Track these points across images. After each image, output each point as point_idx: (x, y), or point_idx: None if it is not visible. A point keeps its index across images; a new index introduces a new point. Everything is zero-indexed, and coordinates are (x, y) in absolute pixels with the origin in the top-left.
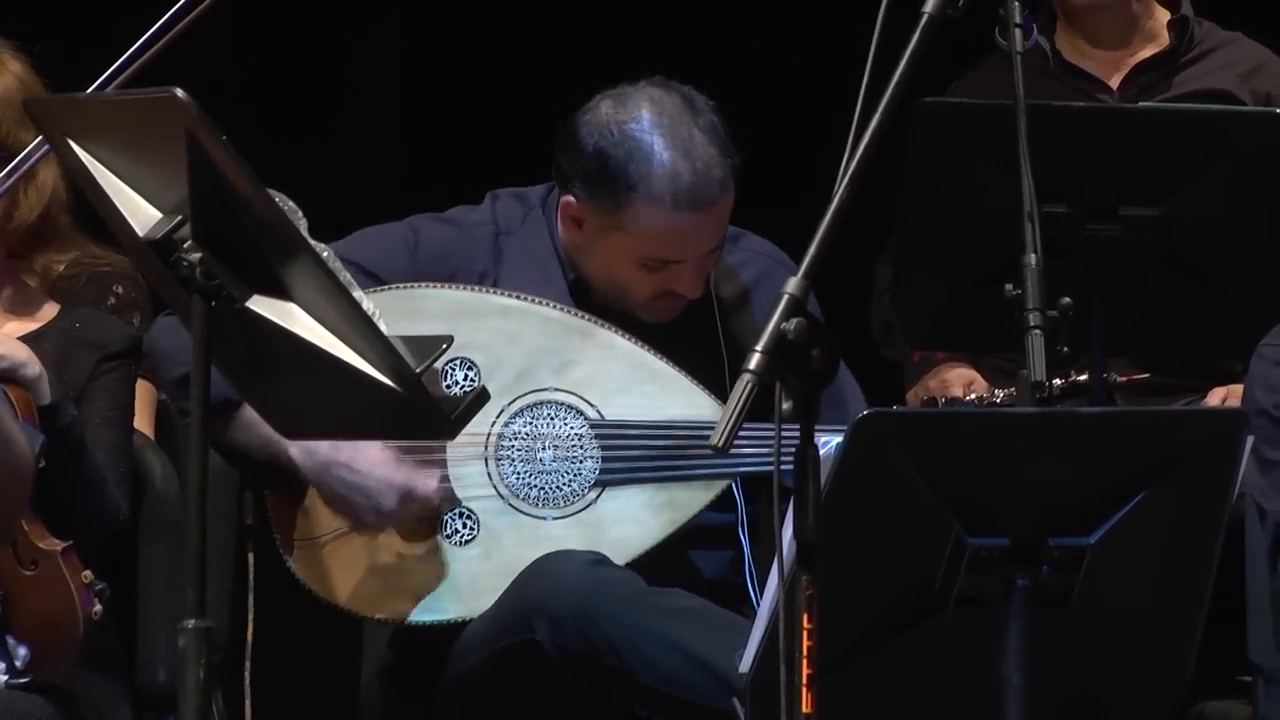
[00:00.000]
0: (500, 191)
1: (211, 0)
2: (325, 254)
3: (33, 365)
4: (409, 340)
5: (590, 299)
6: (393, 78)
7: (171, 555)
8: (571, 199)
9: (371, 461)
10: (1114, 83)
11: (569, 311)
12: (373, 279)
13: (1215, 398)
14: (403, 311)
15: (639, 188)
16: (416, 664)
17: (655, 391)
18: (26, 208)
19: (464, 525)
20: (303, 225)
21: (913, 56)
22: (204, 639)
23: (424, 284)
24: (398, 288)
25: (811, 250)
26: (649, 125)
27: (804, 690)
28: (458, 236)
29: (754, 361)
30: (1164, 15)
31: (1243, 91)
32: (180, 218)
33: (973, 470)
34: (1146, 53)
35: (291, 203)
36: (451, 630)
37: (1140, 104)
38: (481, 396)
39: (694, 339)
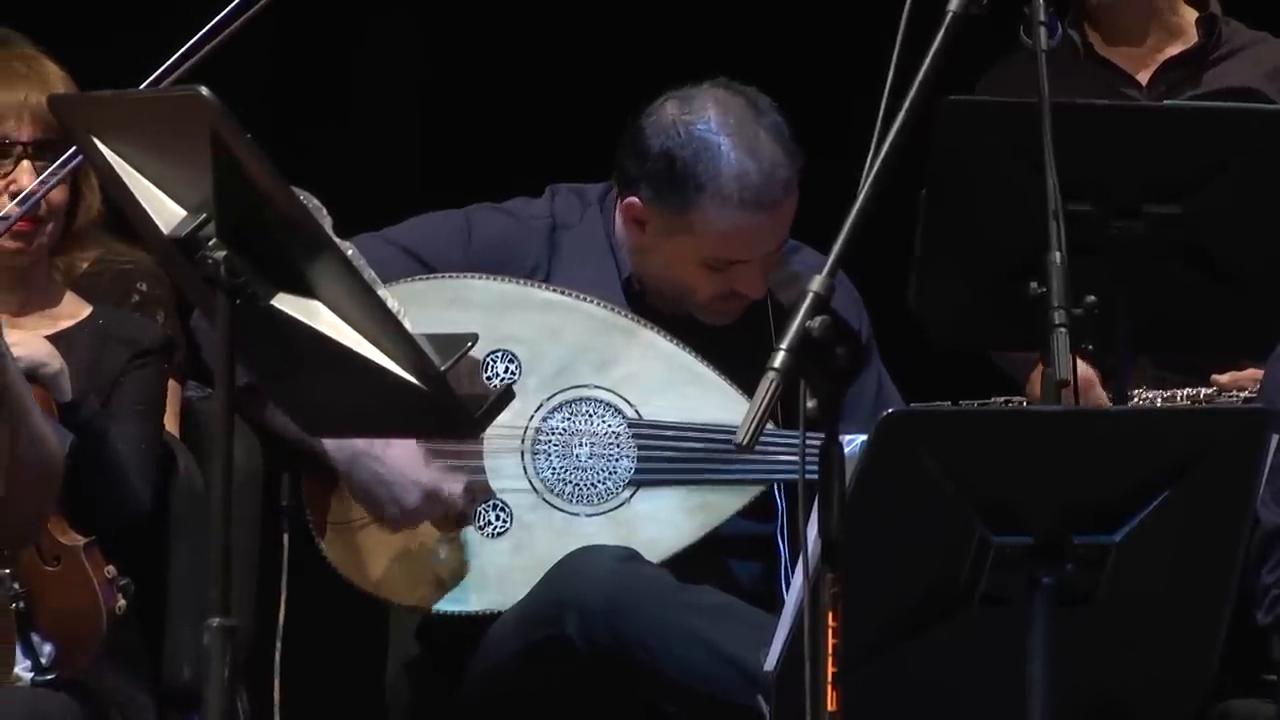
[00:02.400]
0: (559, 186)
1: (264, 4)
2: (350, 252)
3: (53, 362)
4: (434, 338)
5: (643, 299)
6: (411, 73)
7: (197, 553)
8: (635, 200)
9: (400, 458)
10: (1143, 78)
11: (613, 310)
12: (423, 266)
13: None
14: (448, 301)
15: (707, 188)
16: (444, 655)
17: (694, 394)
18: (85, 207)
19: (496, 517)
20: (327, 223)
21: (937, 54)
22: (228, 637)
23: (470, 275)
24: (444, 277)
25: (836, 248)
26: (716, 126)
27: (828, 688)
28: (513, 227)
29: (778, 359)
30: (1190, 13)
31: (1271, 90)
32: (205, 215)
33: (997, 468)
34: (1175, 49)
35: (316, 200)
36: (479, 621)
37: (1164, 102)
38: (506, 395)
39: (748, 345)
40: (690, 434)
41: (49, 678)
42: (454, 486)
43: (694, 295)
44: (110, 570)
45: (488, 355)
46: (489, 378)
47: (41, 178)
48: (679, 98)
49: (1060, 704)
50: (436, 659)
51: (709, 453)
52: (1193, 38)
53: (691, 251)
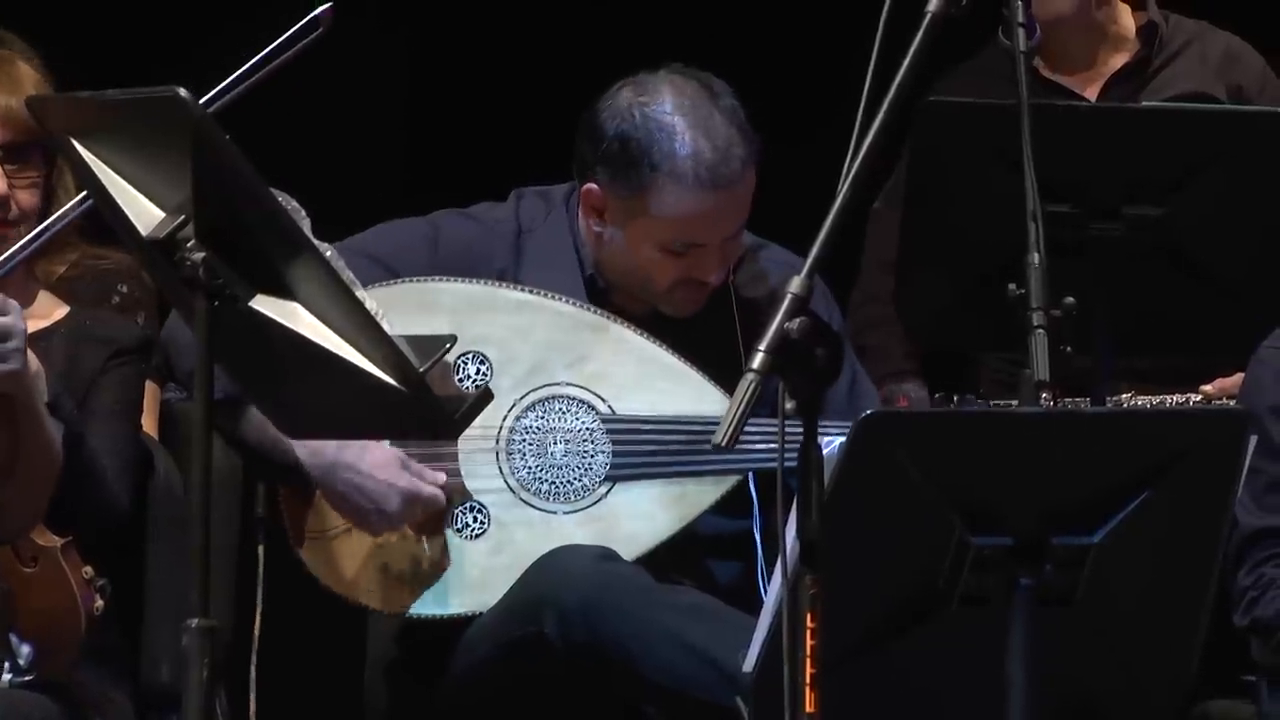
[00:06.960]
0: (525, 190)
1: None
2: (329, 253)
3: (30, 363)
4: (412, 340)
5: (608, 296)
6: (396, 74)
7: (175, 553)
8: (593, 186)
9: (375, 464)
10: (1090, 94)
11: (582, 307)
12: (390, 273)
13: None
14: (416, 305)
15: (662, 167)
16: (422, 657)
17: (667, 387)
18: (58, 206)
19: (474, 519)
20: (306, 224)
21: (915, 56)
22: (208, 638)
23: (437, 278)
24: (411, 281)
25: (815, 250)
26: (670, 108)
27: (807, 689)
28: (479, 233)
29: (757, 360)
30: (1129, 18)
31: (1218, 88)
32: (183, 217)
33: (976, 469)
34: (1119, 60)
35: (295, 201)
36: (460, 624)
37: (1143, 104)
38: (485, 397)
39: (712, 342)
40: (664, 427)
41: (27, 679)
42: (432, 488)
43: (654, 283)
44: (88, 571)
45: (459, 357)
46: (460, 379)
47: (59, 214)
48: (634, 83)
49: (1040, 706)
50: (416, 660)
51: (683, 445)
52: (1136, 44)
53: (649, 235)
